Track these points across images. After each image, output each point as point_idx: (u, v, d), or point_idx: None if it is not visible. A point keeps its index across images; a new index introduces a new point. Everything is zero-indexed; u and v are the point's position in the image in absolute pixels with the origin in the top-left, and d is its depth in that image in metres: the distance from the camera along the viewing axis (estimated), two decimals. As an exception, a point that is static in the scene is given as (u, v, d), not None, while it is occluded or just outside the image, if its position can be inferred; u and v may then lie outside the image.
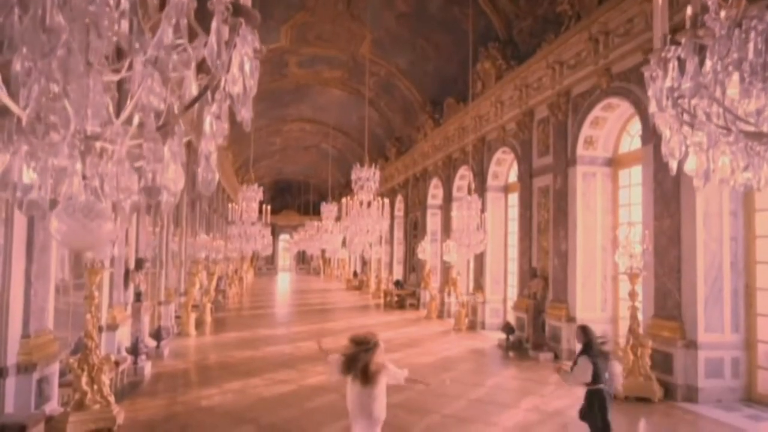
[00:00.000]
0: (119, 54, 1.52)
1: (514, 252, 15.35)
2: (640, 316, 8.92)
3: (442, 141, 20.45)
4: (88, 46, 1.28)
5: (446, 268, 18.53)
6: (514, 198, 15.63)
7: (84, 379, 6.81)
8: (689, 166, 2.37)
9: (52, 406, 6.98)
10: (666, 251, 8.99)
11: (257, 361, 11.63)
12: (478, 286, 16.52)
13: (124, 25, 1.29)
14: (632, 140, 11.32)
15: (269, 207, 18.28)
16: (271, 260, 50.30)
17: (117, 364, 8.49)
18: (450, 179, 19.72)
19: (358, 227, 12.18)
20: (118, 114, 1.47)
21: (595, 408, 5.67)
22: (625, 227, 9.39)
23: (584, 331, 5.94)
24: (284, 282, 41.67)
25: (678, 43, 2.21)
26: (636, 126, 10.73)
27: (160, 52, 1.28)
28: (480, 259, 16.06)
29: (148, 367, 10.08)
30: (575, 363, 5.73)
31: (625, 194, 11.53)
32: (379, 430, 4.84)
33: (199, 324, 15.93)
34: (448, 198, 19.58)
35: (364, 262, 34.14)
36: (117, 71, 1.45)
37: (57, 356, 7.14)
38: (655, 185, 9.29)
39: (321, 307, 23.77)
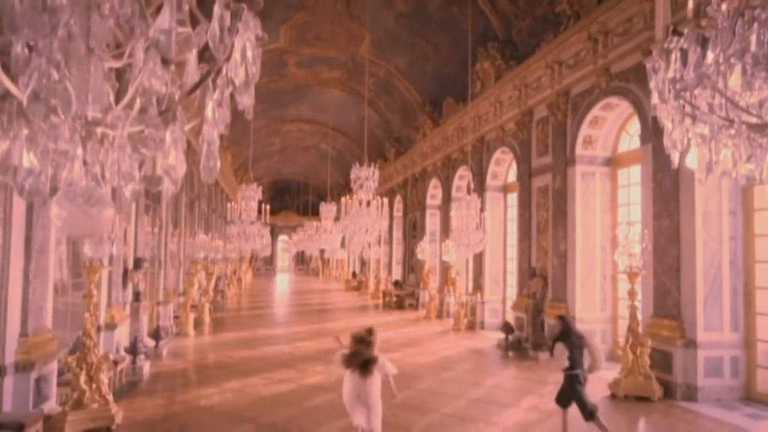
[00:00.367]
0: (119, 45, 1.51)
1: (513, 252, 15.34)
2: (639, 316, 8.91)
3: (441, 141, 20.43)
4: (89, 31, 1.26)
5: (445, 268, 18.51)
6: (513, 198, 15.62)
7: (82, 378, 6.79)
8: (691, 159, 2.36)
9: (51, 405, 6.96)
10: (665, 250, 8.98)
11: (256, 360, 11.60)
12: (477, 286, 16.50)
13: (126, 8, 1.28)
14: (631, 140, 11.33)
15: (268, 207, 18.26)
16: (270, 261, 50.22)
17: (115, 363, 8.47)
18: (449, 179, 19.71)
19: (357, 226, 12.18)
20: (118, 103, 1.46)
21: (569, 390, 6.23)
22: (624, 227, 9.36)
23: (562, 320, 6.60)
24: (283, 283, 41.59)
25: (680, 34, 2.19)
26: (635, 125, 10.74)
27: (161, 36, 1.27)
28: (479, 259, 16.06)
29: (146, 367, 10.05)
30: (551, 349, 6.42)
31: (624, 194, 11.53)
32: (379, 421, 5.33)
33: (198, 324, 15.88)
34: (447, 198, 19.57)
35: (363, 263, 34.11)
36: (118, 57, 1.44)
37: (55, 355, 7.13)
38: (654, 184, 9.30)
39: (320, 308, 23.73)
